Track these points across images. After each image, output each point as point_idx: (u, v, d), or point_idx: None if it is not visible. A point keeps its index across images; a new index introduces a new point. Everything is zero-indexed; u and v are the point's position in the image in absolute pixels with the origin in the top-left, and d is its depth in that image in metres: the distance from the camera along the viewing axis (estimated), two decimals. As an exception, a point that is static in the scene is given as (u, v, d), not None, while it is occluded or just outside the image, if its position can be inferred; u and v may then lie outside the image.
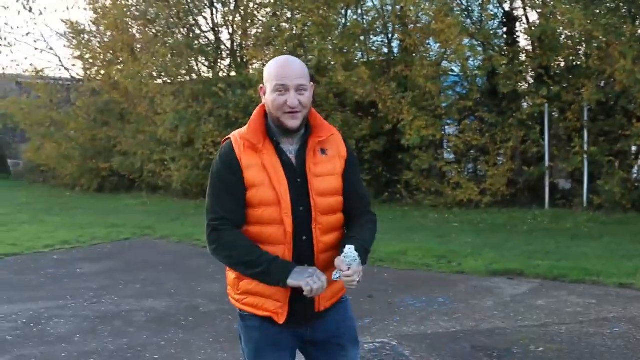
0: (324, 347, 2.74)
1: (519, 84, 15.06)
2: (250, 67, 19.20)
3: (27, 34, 25.53)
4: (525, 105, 15.42)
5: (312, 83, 2.61)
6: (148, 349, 5.29)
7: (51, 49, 29.03)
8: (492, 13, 15.42)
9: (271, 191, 2.49)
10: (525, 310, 6.40)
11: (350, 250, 2.45)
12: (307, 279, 2.41)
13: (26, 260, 9.72)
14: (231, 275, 2.68)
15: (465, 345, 5.30)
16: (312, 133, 2.61)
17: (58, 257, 9.92)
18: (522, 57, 15.44)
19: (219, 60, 20.21)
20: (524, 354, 5.08)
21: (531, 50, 15.15)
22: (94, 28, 22.75)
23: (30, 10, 23.43)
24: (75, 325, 6.09)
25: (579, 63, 14.61)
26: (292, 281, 2.43)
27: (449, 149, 16.52)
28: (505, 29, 15.87)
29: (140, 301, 6.99)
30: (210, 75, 19.86)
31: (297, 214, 2.52)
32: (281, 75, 2.50)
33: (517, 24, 15.73)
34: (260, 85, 2.63)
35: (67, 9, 42.96)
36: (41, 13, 32.29)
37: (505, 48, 15.46)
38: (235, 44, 19.99)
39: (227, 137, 2.65)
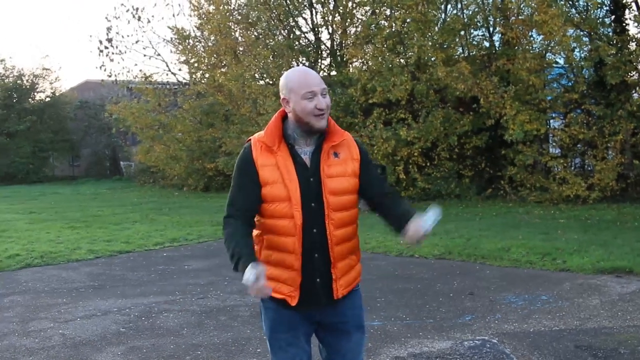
0: (330, 329, 3.00)
1: (629, 74, 14.46)
2: (350, 65, 19.33)
3: (136, 42, 26.78)
4: (635, 96, 14.79)
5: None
6: (251, 343, 5.45)
7: (159, 55, 30.28)
8: (598, 1, 14.85)
9: (283, 188, 2.77)
10: (633, 310, 6.16)
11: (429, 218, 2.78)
12: (247, 281, 2.61)
13: (138, 257, 10.20)
14: None
15: (568, 344, 5.17)
16: (326, 138, 2.86)
17: (167, 254, 10.36)
18: (632, 45, 14.79)
19: (319, 60, 20.47)
20: (631, 354, 4.91)
21: (642, 38, 14.51)
22: (198, 33, 23.59)
23: (139, 19, 24.53)
24: (183, 319, 6.36)
25: (695, 50, 13.86)
26: (244, 277, 2.65)
27: (554, 143, 16.07)
28: (613, 17, 15.26)
29: (244, 297, 7.19)
30: (311, 75, 20.07)
31: (308, 209, 2.78)
32: (307, 84, 2.77)
33: (626, 11, 15.09)
34: (282, 97, 2.84)
35: (173, 16, 44.58)
36: (149, 21, 33.73)
37: (613, 37, 14.86)
38: (335, 43, 20.19)
39: (249, 138, 2.92)
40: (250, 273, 2.60)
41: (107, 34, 25.06)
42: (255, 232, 2.90)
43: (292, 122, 2.83)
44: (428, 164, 16.64)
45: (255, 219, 2.88)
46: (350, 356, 3.03)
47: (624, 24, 15.10)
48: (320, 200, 2.79)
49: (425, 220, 2.77)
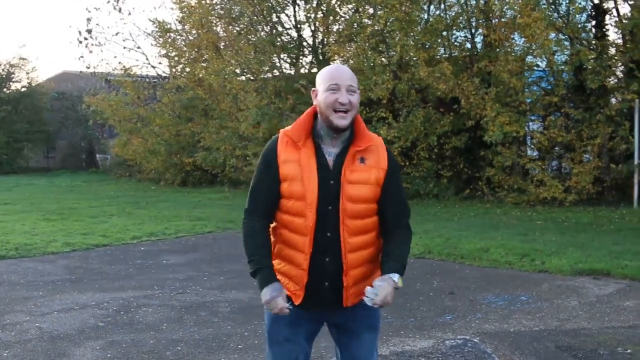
0: (341, 329, 2.96)
1: (608, 78, 14.60)
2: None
3: (116, 34, 26.42)
4: (614, 100, 14.96)
5: (358, 90, 2.79)
6: (232, 339, 5.41)
7: (139, 47, 30.10)
8: (580, 6, 14.99)
9: (301, 186, 2.71)
10: (611, 311, 6.22)
11: (375, 289, 2.66)
12: (269, 300, 2.71)
13: (115, 251, 10.10)
14: None
15: (549, 344, 5.20)
16: (353, 141, 2.77)
17: (145, 249, 10.26)
18: (612, 51, 14.97)
19: (301, 57, 20.42)
20: (610, 355, 4.95)
21: (621, 44, 14.67)
22: (179, 27, 23.40)
23: (120, 10, 24.27)
24: (163, 314, 6.30)
25: (672, 57, 14.02)
26: (261, 293, 2.74)
27: (532, 146, 16.20)
28: (594, 22, 15.41)
29: (224, 292, 7.16)
30: (293, 71, 20.09)
31: (323, 211, 2.72)
32: (334, 77, 2.73)
33: (607, 17, 15.25)
34: (313, 89, 2.82)
35: (155, 8, 44.35)
36: (130, 13, 33.44)
37: (593, 42, 15.02)
38: (317, 40, 20.15)
39: (280, 129, 2.87)
40: (269, 293, 2.70)
41: (87, 25, 24.78)
42: (273, 224, 2.87)
43: (319, 118, 2.78)
44: (407, 164, 16.68)
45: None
46: (361, 356, 2.97)
47: (605, 30, 15.27)
48: (336, 205, 2.72)
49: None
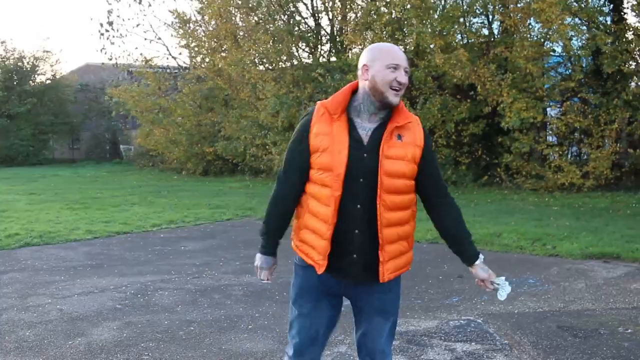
0: (355, 307, 3.06)
1: (626, 63, 14.52)
2: (350, 51, 19.39)
3: (137, 25, 26.84)
4: (632, 85, 14.87)
5: None
6: (243, 320, 5.60)
7: (159, 38, 30.39)
8: (596, -10, 14.91)
9: (330, 158, 2.77)
10: (617, 293, 6.31)
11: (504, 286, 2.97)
12: (256, 267, 3.23)
13: (135, 238, 10.35)
14: (295, 222, 3.04)
15: (551, 324, 5.32)
16: (391, 118, 2.82)
17: (164, 236, 10.50)
18: (629, 35, 14.86)
19: (319, 46, 20.51)
20: (611, 335, 5.05)
21: (640, 28, 14.58)
22: (199, 17, 23.61)
23: (140, 2, 24.53)
24: (178, 297, 6.51)
25: (691, 40, 13.93)
26: (256, 256, 3.20)
27: (550, 132, 16.18)
28: (611, 6, 15.31)
29: (238, 277, 7.35)
30: (310, 60, 20.19)
31: (354, 185, 2.78)
32: (395, 57, 2.79)
33: (625, 0, 15.15)
34: (363, 64, 2.83)
35: None
36: (150, 5, 33.64)
37: (611, 26, 14.93)
38: (334, 29, 20.23)
39: (317, 101, 2.96)
40: (259, 261, 3.18)
41: (108, 17, 25.14)
42: (303, 194, 2.95)
43: (364, 93, 2.83)
44: (425, 151, 16.73)
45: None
46: (370, 337, 3.01)
47: (622, 13, 15.18)
48: (372, 179, 2.77)
49: (498, 289, 2.94)
